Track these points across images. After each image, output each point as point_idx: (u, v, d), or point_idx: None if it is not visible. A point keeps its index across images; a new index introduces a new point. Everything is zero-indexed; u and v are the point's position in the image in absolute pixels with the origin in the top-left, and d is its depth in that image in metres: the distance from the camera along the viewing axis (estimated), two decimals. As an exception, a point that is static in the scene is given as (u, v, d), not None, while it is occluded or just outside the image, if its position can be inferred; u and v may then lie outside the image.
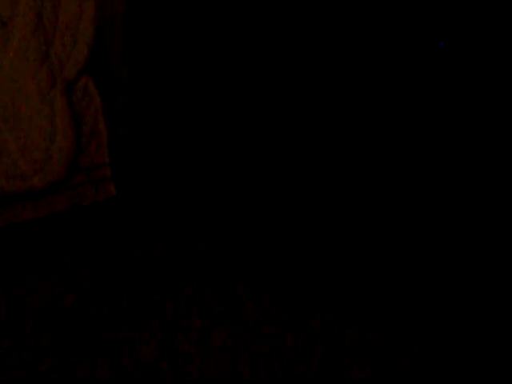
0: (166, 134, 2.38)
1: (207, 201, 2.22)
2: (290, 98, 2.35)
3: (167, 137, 2.37)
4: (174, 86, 2.40)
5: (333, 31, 2.34)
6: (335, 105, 2.37)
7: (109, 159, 2.18)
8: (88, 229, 2.17)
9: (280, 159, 2.30)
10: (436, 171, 2.20)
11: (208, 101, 2.40)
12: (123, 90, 2.26)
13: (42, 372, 1.73)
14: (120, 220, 2.19)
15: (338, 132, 2.34)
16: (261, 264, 1.98)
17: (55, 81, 2.09)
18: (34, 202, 2.17)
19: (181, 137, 2.37)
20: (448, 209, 2.11)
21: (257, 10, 2.33)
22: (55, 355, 1.76)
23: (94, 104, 2.14)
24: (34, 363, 1.76)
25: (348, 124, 2.32)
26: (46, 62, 2.06)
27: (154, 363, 1.73)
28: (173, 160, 2.34)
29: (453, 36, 2.24)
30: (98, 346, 1.77)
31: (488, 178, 2.16)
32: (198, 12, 2.37)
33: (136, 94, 2.31)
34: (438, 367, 1.67)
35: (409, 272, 1.93)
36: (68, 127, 2.13)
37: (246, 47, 2.34)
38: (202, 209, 2.19)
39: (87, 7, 2.07)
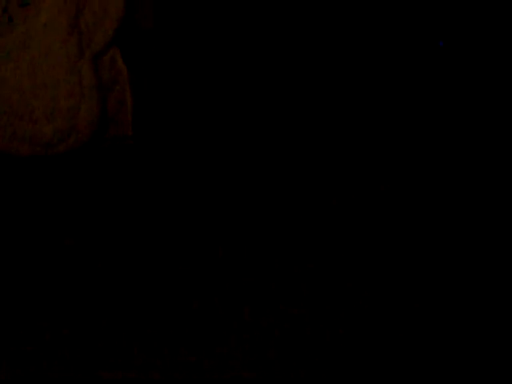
0: (190, 114, 2.41)
1: (229, 188, 2.24)
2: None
3: (190, 118, 2.40)
4: (202, 66, 2.43)
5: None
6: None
7: (132, 132, 2.18)
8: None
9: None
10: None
11: (241, 84, 2.41)
12: (151, 65, 2.25)
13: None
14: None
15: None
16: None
17: (83, 51, 2.11)
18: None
19: (205, 119, 2.41)
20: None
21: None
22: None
23: (120, 76, 2.13)
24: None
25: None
26: (75, 31, 2.10)
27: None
28: (193, 141, 2.38)
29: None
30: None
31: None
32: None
33: (163, 70, 2.28)
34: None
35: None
36: (94, 98, 2.14)
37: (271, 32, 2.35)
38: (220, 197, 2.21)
39: None
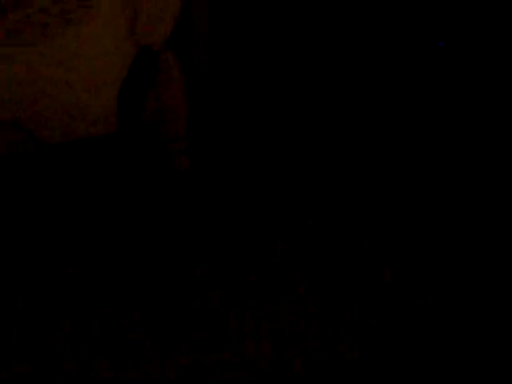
0: (243, 116, 2.37)
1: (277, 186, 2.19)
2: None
3: (242, 120, 2.36)
4: (256, 70, 2.38)
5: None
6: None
7: (185, 132, 2.20)
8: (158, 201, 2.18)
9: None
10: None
11: (291, 87, 2.36)
12: (205, 66, 2.28)
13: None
14: (190, 194, 2.19)
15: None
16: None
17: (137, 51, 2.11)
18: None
19: (257, 121, 2.36)
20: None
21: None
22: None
23: (174, 77, 2.14)
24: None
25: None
26: (132, 33, 2.08)
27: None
28: (245, 143, 2.33)
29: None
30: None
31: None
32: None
33: (217, 71, 2.31)
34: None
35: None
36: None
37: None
38: (270, 194, 2.16)
39: None
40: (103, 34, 2.06)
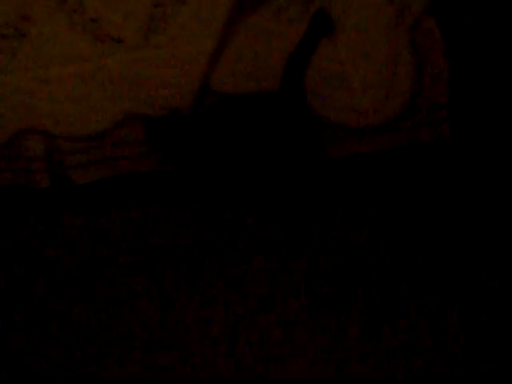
0: (500, 85, 2.26)
1: None
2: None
3: (499, 88, 2.26)
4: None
5: None
6: None
7: (446, 100, 2.15)
8: (413, 169, 2.17)
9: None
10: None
11: None
12: (465, 33, 2.19)
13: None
14: (449, 163, 2.16)
15: None
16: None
17: (400, 20, 2.10)
18: (367, 137, 2.20)
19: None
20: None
21: None
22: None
23: (436, 45, 2.11)
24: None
25: None
26: (393, 1, 2.08)
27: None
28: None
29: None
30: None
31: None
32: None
33: (477, 38, 2.22)
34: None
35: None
36: (410, 67, 2.13)
37: None
38: None
39: None
40: (367, 3, 2.08)
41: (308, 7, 2.09)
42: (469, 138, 2.17)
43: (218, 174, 2.15)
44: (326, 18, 2.11)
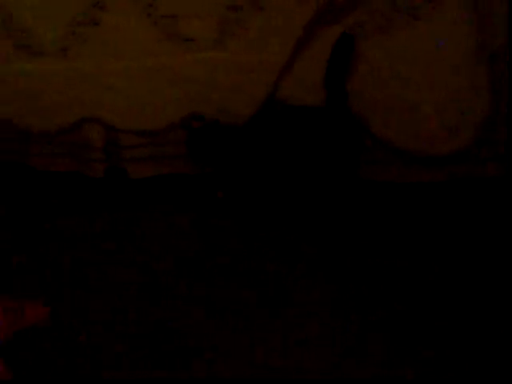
0: None
1: None
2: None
3: None
4: None
5: None
6: None
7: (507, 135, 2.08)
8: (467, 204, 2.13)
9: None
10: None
11: None
12: None
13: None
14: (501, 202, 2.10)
15: None
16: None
17: (481, 49, 2.05)
18: (429, 166, 2.15)
19: None
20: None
21: None
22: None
23: (505, 76, 2.06)
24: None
25: None
26: (477, 30, 2.02)
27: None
28: None
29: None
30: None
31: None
32: None
33: None
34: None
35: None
36: (486, 97, 2.07)
37: None
38: None
39: None
40: (450, 29, 2.04)
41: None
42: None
43: (254, 184, 2.15)
44: (349, 39, 2.08)
